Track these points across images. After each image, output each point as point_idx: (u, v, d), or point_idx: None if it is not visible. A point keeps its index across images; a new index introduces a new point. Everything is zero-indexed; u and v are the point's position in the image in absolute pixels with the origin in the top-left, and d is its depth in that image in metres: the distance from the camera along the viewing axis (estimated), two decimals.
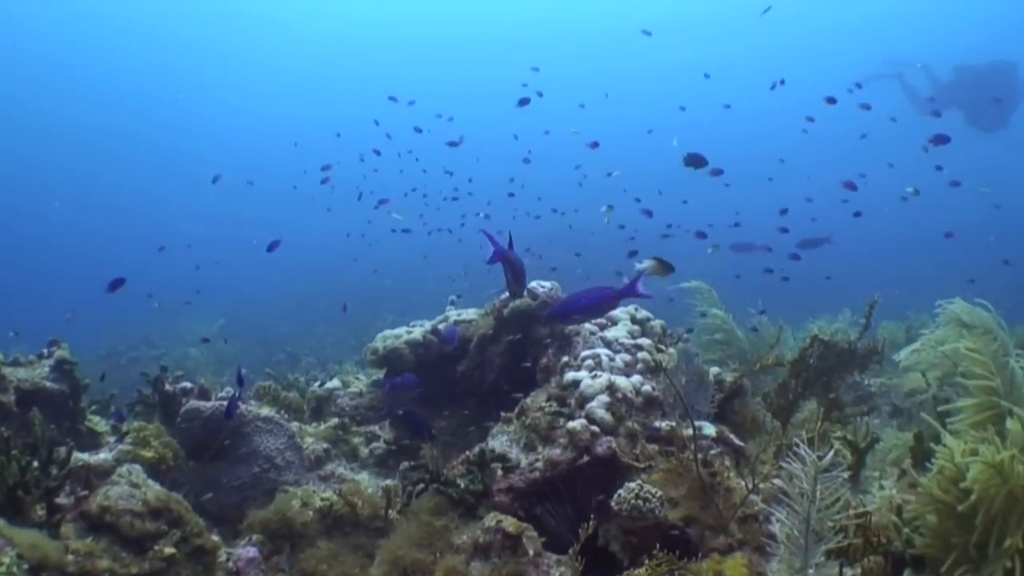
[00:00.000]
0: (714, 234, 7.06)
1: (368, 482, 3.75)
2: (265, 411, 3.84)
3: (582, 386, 3.18)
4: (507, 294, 4.21)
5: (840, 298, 7.86)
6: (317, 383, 4.84)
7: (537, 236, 10.61)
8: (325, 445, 3.99)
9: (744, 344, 5.32)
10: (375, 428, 4.29)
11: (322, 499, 3.18)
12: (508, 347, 4.21)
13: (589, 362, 3.40)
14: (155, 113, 32.66)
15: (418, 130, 9.99)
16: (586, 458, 2.93)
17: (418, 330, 4.69)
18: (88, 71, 32.30)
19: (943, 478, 2.08)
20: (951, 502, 2.03)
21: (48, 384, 3.58)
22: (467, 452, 3.15)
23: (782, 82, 9.14)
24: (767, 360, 3.63)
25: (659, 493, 2.57)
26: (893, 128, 9.90)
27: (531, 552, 2.47)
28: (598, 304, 3.22)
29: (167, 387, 3.87)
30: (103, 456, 3.08)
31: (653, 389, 3.26)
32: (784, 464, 2.11)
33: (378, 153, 10.33)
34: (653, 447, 2.96)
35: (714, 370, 3.62)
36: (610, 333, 3.68)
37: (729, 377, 3.60)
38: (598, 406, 3.06)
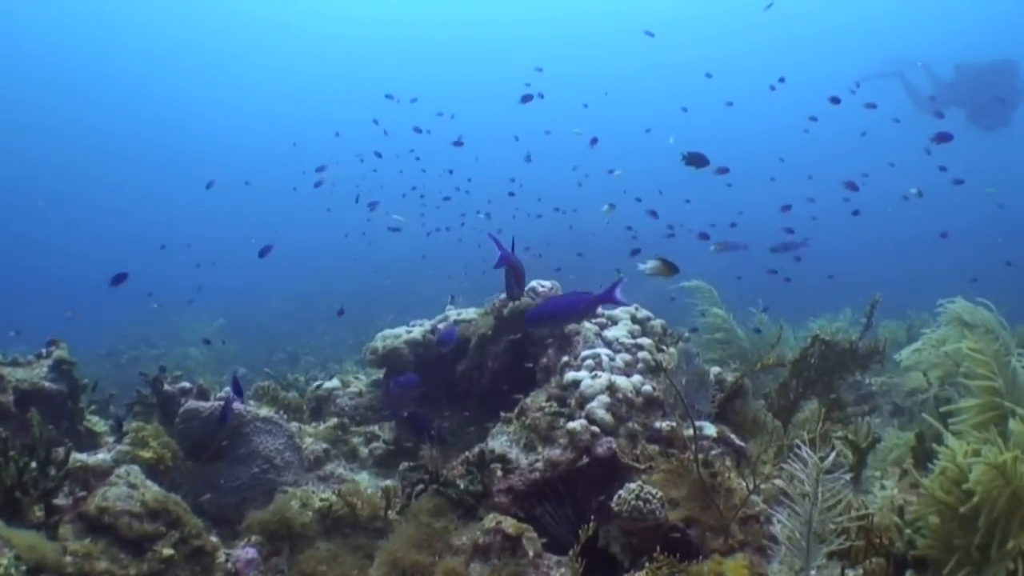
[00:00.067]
0: (713, 234, 7.05)
1: (367, 482, 3.74)
2: (264, 411, 3.83)
3: (582, 386, 3.16)
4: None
5: (840, 297, 7.85)
6: (316, 383, 4.83)
7: (537, 236, 10.61)
8: (324, 445, 3.98)
9: (745, 343, 5.31)
10: (375, 428, 4.28)
11: (321, 500, 3.17)
12: (508, 347, 4.19)
13: (589, 362, 3.38)
14: (155, 113, 32.69)
15: (418, 130, 9.99)
16: (586, 459, 2.92)
17: (418, 330, 4.68)
18: (88, 71, 32.33)
19: (945, 479, 2.07)
20: (953, 503, 2.02)
21: (47, 384, 3.57)
22: (467, 453, 3.14)
23: (782, 80, 9.13)
24: (768, 360, 3.62)
25: (659, 494, 2.56)
26: (894, 127, 9.89)
27: (531, 553, 2.46)
28: (575, 309, 3.27)
29: (166, 387, 3.85)
30: (101, 457, 3.07)
31: (653, 389, 3.25)
32: (785, 465, 2.10)
33: (379, 155, 10.34)
34: (654, 447, 2.95)
35: (715, 370, 3.61)
36: (610, 333, 3.67)
37: (730, 377, 3.59)
38: (598, 406, 3.04)
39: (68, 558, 2.43)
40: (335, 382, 4.73)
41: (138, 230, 24.16)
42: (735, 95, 12.76)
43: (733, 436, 3.12)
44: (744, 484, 2.63)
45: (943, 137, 6.10)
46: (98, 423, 3.77)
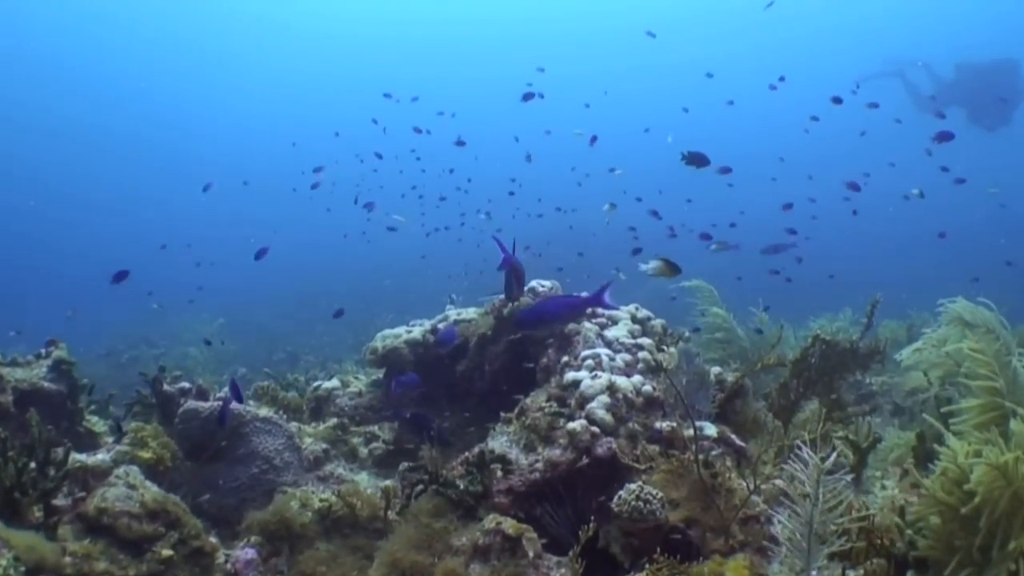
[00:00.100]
0: (713, 234, 7.05)
1: (367, 483, 3.74)
2: (264, 411, 3.83)
3: (582, 386, 3.16)
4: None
5: (841, 297, 7.84)
6: (316, 383, 4.82)
7: (537, 236, 10.61)
8: (324, 445, 3.97)
9: (745, 343, 5.31)
10: (374, 428, 4.27)
11: (321, 500, 3.17)
12: (508, 347, 4.19)
13: (589, 362, 3.38)
14: (155, 113, 32.70)
15: (417, 130, 9.98)
16: (586, 459, 2.91)
17: (417, 329, 4.67)
18: (88, 71, 32.32)
19: (946, 480, 2.06)
20: (955, 504, 2.02)
21: (46, 384, 3.57)
22: (466, 453, 3.14)
23: (782, 79, 9.13)
24: (768, 360, 3.61)
25: (660, 495, 2.55)
26: (894, 126, 9.89)
27: (531, 554, 2.45)
28: (564, 312, 3.34)
29: (165, 387, 3.85)
30: (100, 457, 3.07)
31: (654, 389, 3.24)
32: (786, 466, 2.10)
33: (380, 156, 10.33)
34: (654, 448, 2.94)
35: (715, 370, 3.60)
36: (611, 332, 3.66)
37: (730, 377, 3.58)
38: (598, 407, 3.04)
39: (67, 559, 2.43)
40: (335, 382, 4.72)
41: (138, 230, 24.18)
42: (735, 95, 12.76)
43: (733, 436, 3.12)
44: (745, 484, 2.62)
45: (944, 136, 6.10)
46: (97, 423, 3.76)
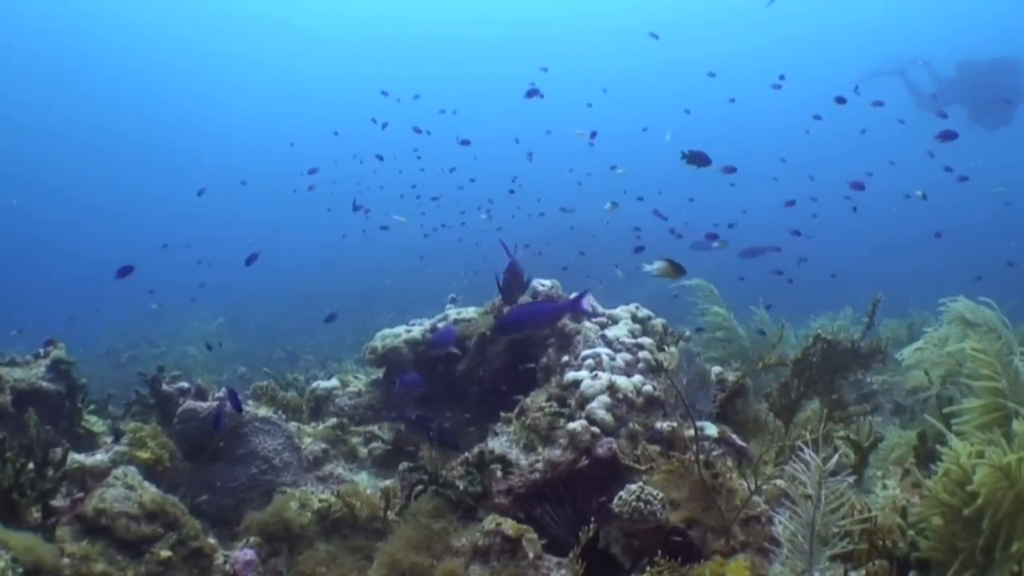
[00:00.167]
0: (709, 233, 7.05)
1: (367, 483, 3.73)
2: (263, 411, 3.81)
3: (582, 386, 3.15)
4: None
5: (841, 296, 7.84)
6: (315, 383, 4.81)
7: (537, 235, 10.60)
8: (323, 445, 3.96)
9: (746, 342, 5.29)
10: (374, 428, 4.26)
11: (320, 500, 3.16)
12: (508, 346, 4.18)
13: (590, 362, 3.37)
14: (155, 113, 32.68)
15: (417, 130, 9.96)
16: (586, 459, 2.90)
17: (417, 329, 4.66)
18: (88, 71, 32.31)
19: (949, 480, 2.05)
20: (957, 505, 2.00)
21: (44, 384, 3.55)
22: (466, 453, 3.12)
23: (782, 78, 9.11)
24: (769, 359, 3.60)
25: (660, 495, 2.54)
26: (895, 125, 9.87)
27: (531, 555, 2.44)
28: (543, 317, 3.48)
29: (164, 387, 3.84)
30: (99, 458, 3.06)
31: (654, 389, 3.23)
32: (787, 466, 2.08)
33: (381, 159, 10.31)
34: (654, 448, 2.93)
35: (716, 369, 3.58)
36: (611, 332, 3.65)
37: (731, 376, 3.57)
38: (599, 407, 3.02)
39: (65, 560, 2.42)
40: (334, 382, 4.71)
41: (138, 230, 24.18)
42: (737, 94, 12.75)
43: (734, 436, 3.10)
44: (746, 485, 2.61)
45: (948, 135, 6.06)
46: (96, 423, 3.74)
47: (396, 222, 9.07)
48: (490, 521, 2.53)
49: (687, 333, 4.28)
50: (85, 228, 27.76)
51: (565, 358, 3.57)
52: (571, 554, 2.38)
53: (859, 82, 9.09)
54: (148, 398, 3.91)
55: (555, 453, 2.94)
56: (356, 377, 5.02)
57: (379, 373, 4.76)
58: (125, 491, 2.67)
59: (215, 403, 3.52)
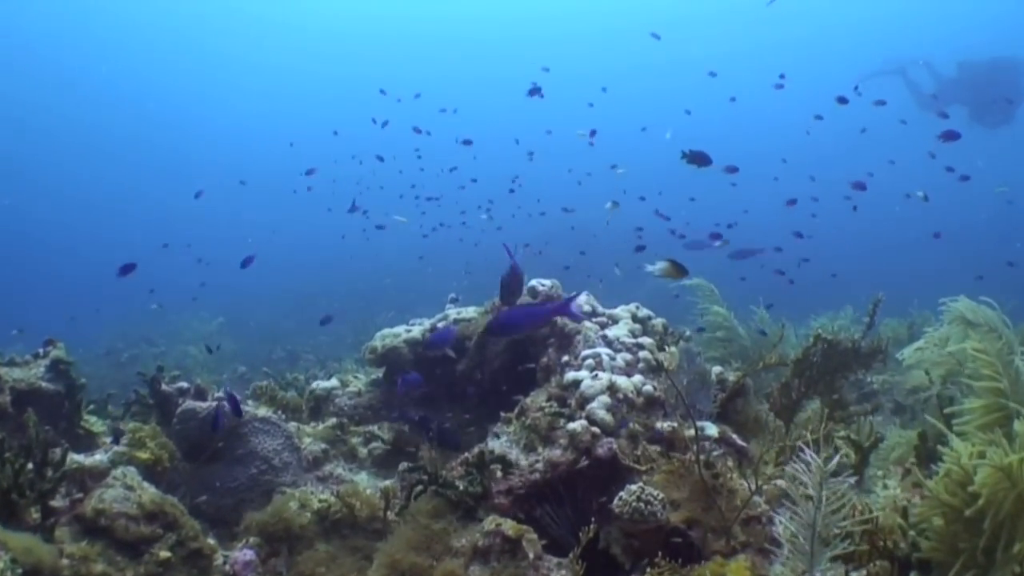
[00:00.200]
0: (708, 232, 7.05)
1: (366, 483, 3.72)
2: (262, 411, 3.81)
3: (583, 386, 3.14)
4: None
5: (841, 295, 7.83)
6: (314, 383, 4.80)
7: (536, 234, 10.59)
8: (323, 445, 3.95)
9: (746, 342, 5.29)
10: (374, 428, 4.26)
11: (320, 501, 3.15)
12: (508, 346, 4.17)
13: (590, 362, 3.36)
14: (155, 113, 32.68)
15: (417, 130, 9.95)
16: (586, 460, 2.89)
17: (417, 328, 4.65)
18: (88, 71, 32.30)
19: (950, 481, 2.04)
20: (958, 506, 2.00)
21: (44, 384, 3.55)
22: (466, 453, 3.12)
23: (782, 77, 9.10)
24: (770, 359, 3.59)
25: (661, 495, 2.53)
26: (895, 124, 9.86)
27: (531, 555, 2.44)
28: (529, 322, 3.48)
29: (163, 387, 3.83)
30: (98, 458, 3.05)
31: (654, 389, 3.22)
32: (788, 467, 2.08)
33: (381, 159, 10.29)
34: (655, 448, 2.93)
35: (716, 369, 3.58)
36: (611, 332, 3.64)
37: (732, 376, 3.56)
38: (599, 407, 3.02)
39: (64, 561, 2.41)
40: (334, 381, 4.70)
41: (138, 229, 24.17)
42: (737, 93, 12.73)
43: (735, 436, 3.10)
44: (746, 485, 2.61)
45: (951, 136, 6.03)
46: (96, 423, 3.74)
47: (396, 222, 9.06)
48: (490, 521, 2.53)
49: (687, 333, 4.27)
50: (85, 228, 27.75)
51: (565, 358, 3.56)
52: (571, 554, 2.38)
53: (860, 82, 9.05)
54: (147, 398, 3.91)
55: (555, 453, 2.93)
56: (356, 377, 5.01)
57: (379, 373, 4.76)
58: (124, 491, 2.66)
59: (214, 403, 3.52)
